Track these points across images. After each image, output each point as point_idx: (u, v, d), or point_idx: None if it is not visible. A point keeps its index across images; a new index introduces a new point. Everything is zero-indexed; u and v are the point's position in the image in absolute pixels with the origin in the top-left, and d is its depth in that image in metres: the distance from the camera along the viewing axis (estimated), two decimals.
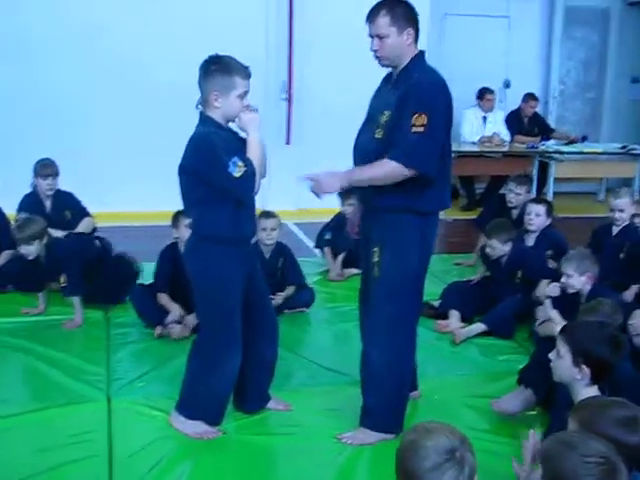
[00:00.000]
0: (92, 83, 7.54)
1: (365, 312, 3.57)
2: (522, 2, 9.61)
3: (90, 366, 4.12)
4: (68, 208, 5.67)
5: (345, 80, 7.78)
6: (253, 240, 4.04)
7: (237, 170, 3.06)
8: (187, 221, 4.55)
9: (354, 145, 3.50)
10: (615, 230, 5.19)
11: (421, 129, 3.09)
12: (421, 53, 3.30)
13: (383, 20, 3.19)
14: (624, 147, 8.67)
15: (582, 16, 9.94)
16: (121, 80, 7.58)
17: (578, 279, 4.14)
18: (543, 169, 8.67)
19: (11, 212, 5.59)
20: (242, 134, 3.27)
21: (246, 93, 3.19)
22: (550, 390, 3.41)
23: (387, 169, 3.14)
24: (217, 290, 3.24)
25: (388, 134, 3.19)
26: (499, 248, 4.97)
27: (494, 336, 4.68)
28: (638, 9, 10.02)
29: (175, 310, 4.60)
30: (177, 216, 4.71)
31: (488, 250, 5.04)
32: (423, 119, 3.08)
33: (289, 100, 8.12)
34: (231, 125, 3.27)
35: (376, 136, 3.26)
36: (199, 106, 3.26)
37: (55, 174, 5.59)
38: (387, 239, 3.26)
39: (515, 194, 5.83)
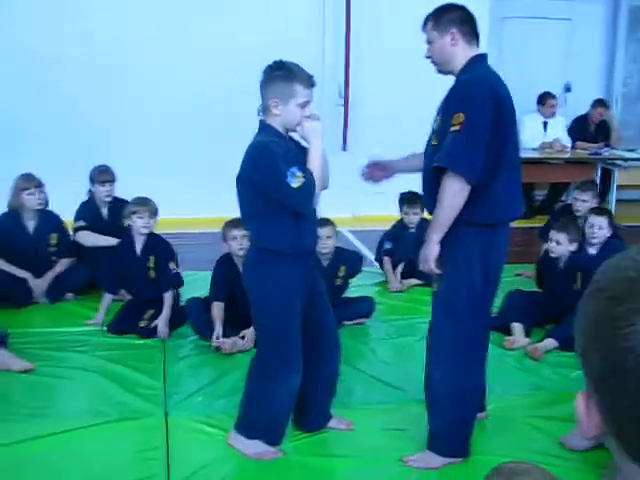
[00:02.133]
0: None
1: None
2: (585, 3, 9.33)
3: (146, 379, 4.04)
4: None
5: (403, 84, 7.64)
6: None
7: (295, 181, 2.95)
8: (237, 232, 4.52)
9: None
10: None
11: (457, 127, 2.92)
12: (481, 57, 3.16)
13: (429, 25, 3.16)
14: None
15: None
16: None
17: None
18: (606, 176, 8.40)
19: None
20: (304, 143, 3.16)
21: (307, 102, 3.07)
22: None
23: (445, 190, 2.97)
24: (277, 306, 3.12)
25: (441, 140, 3.06)
26: (564, 246, 4.78)
27: (562, 350, 4.48)
28: None
29: (218, 327, 4.45)
30: (224, 230, 4.63)
31: (552, 245, 4.82)
32: (460, 117, 2.92)
33: (346, 105, 7.97)
34: (292, 134, 3.17)
35: (433, 143, 3.14)
36: (260, 113, 3.16)
37: (112, 180, 5.54)
38: (446, 252, 3.10)
39: (582, 201, 5.61)
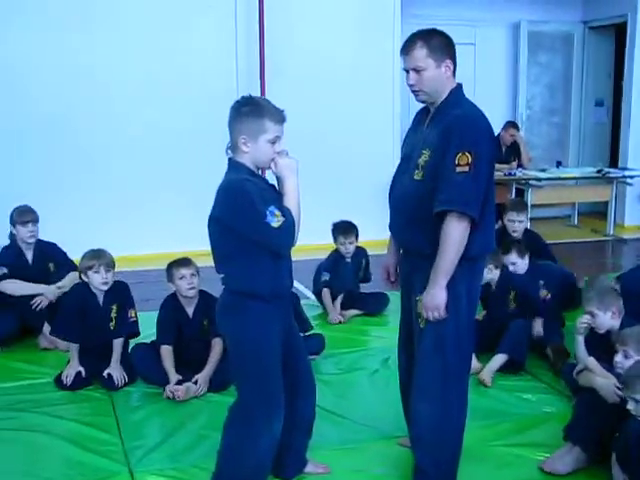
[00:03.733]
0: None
1: (407, 365, 3.35)
2: (487, 29, 9.60)
3: (102, 434, 3.79)
4: (51, 259, 5.31)
5: (318, 107, 7.73)
6: None
7: (275, 220, 2.83)
8: (186, 271, 4.34)
9: (390, 188, 3.30)
10: None
11: (466, 168, 2.90)
12: (459, 86, 3.13)
13: (420, 52, 3.01)
14: (600, 171, 8.67)
15: (546, 41, 9.97)
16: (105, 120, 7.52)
17: (604, 317, 3.83)
18: (519, 196, 8.60)
19: None
20: (273, 181, 3.05)
21: (278, 138, 2.97)
22: (603, 445, 3.23)
23: (452, 233, 2.92)
24: (259, 352, 2.97)
25: (428, 175, 3.00)
26: (520, 262, 5.00)
27: (512, 365, 4.56)
28: (599, 33, 10.10)
29: (172, 377, 4.26)
30: (171, 270, 4.44)
31: (511, 267, 5.01)
32: (467, 158, 2.90)
33: None
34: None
35: (415, 177, 3.06)
36: (228, 151, 3.03)
37: (35, 220, 5.22)
38: None
39: (518, 222, 5.73)
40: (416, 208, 3.03)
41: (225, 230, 2.91)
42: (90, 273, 4.43)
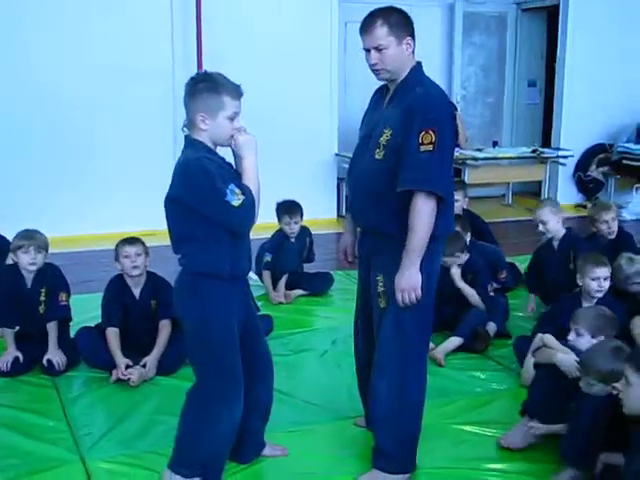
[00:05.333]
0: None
1: (365, 346, 3.32)
2: (423, 9, 9.58)
3: (48, 421, 3.66)
4: None
5: (255, 86, 7.51)
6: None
7: (236, 199, 2.75)
8: (131, 249, 4.21)
9: (349, 168, 3.26)
10: (556, 245, 5.11)
11: (430, 147, 2.86)
12: (419, 64, 3.09)
13: (381, 31, 2.96)
14: (534, 151, 8.80)
15: (480, 22, 10.04)
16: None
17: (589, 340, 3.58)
18: (456, 175, 8.66)
19: None
20: (230, 160, 2.97)
21: (237, 114, 2.89)
22: (559, 419, 3.28)
23: (421, 211, 2.88)
24: (218, 334, 2.89)
25: (390, 154, 2.95)
26: (462, 257, 4.91)
27: (467, 348, 4.59)
28: (531, 15, 10.21)
29: (120, 361, 4.12)
30: (118, 248, 4.31)
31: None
32: (431, 136, 2.86)
33: None
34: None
35: (376, 157, 3.01)
36: (184, 129, 2.94)
37: None
38: (392, 266, 3.00)
39: (454, 201, 5.67)
40: (378, 188, 2.98)
41: (183, 210, 2.82)
42: (19, 253, 4.24)
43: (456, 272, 4.83)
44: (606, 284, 4.14)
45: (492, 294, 4.96)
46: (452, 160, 3.05)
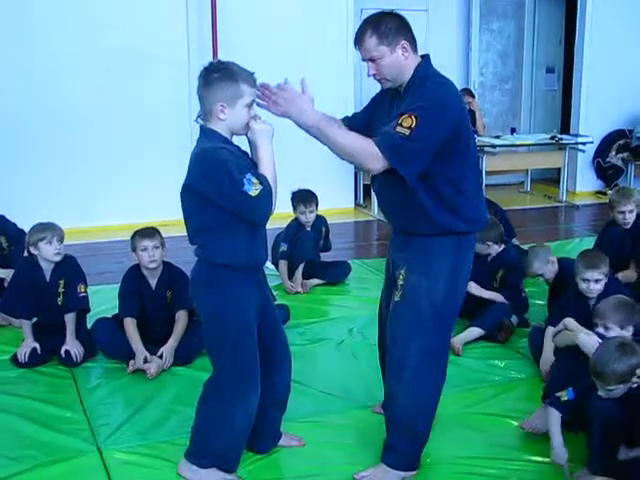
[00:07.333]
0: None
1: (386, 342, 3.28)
2: None
3: (65, 412, 3.66)
4: (2, 233, 5.09)
5: (270, 78, 7.50)
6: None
7: (253, 188, 2.72)
8: (148, 243, 4.20)
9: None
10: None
11: (406, 132, 2.73)
12: (424, 59, 2.99)
13: (370, 42, 2.88)
14: (553, 137, 8.70)
15: (498, 8, 9.94)
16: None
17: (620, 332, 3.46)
18: None
19: None
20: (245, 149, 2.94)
21: (253, 102, 2.86)
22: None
23: (362, 145, 2.79)
24: (234, 324, 2.88)
25: None
26: (494, 248, 4.84)
27: (487, 339, 4.55)
28: (550, 0, 10.10)
29: (139, 352, 4.12)
30: (134, 240, 4.29)
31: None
32: (411, 121, 2.74)
33: None
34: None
35: None
36: (199, 120, 2.91)
37: None
38: (416, 261, 2.98)
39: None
40: (400, 193, 2.91)
41: (200, 200, 2.80)
42: (42, 245, 4.22)
43: (474, 287, 4.64)
44: (597, 286, 3.96)
45: (524, 294, 4.88)
46: (431, 156, 2.83)
